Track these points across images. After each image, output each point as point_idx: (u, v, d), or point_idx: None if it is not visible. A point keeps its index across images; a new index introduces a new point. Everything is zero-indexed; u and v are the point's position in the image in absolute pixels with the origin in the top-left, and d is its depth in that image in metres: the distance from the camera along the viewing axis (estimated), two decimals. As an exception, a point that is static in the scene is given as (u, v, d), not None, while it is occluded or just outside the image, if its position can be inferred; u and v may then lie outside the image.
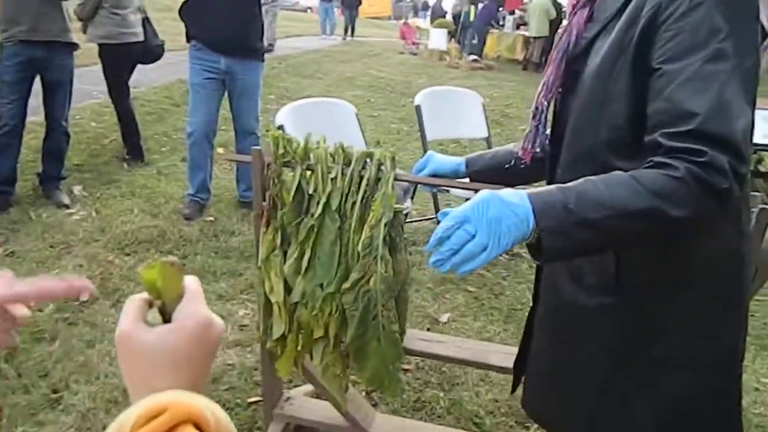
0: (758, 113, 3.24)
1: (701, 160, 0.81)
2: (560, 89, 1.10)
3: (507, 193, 0.87)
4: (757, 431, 2.10)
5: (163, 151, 4.90)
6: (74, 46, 3.62)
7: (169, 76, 7.17)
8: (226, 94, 3.66)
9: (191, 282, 0.57)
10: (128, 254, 3.11)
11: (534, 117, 1.16)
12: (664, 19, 0.89)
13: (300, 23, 18.27)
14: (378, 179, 1.50)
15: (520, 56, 13.33)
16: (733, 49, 0.85)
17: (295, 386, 2.19)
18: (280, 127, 2.62)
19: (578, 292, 1.08)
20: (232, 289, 2.87)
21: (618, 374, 1.07)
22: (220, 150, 4.75)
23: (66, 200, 3.66)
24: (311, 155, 1.58)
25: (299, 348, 1.63)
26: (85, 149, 4.65)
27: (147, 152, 4.73)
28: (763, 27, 0.90)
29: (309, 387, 2.15)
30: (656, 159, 0.86)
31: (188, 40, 3.65)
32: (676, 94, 0.86)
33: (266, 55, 3.73)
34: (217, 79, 3.55)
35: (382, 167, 1.51)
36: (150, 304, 0.56)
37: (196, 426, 0.45)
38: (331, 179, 1.54)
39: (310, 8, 26.96)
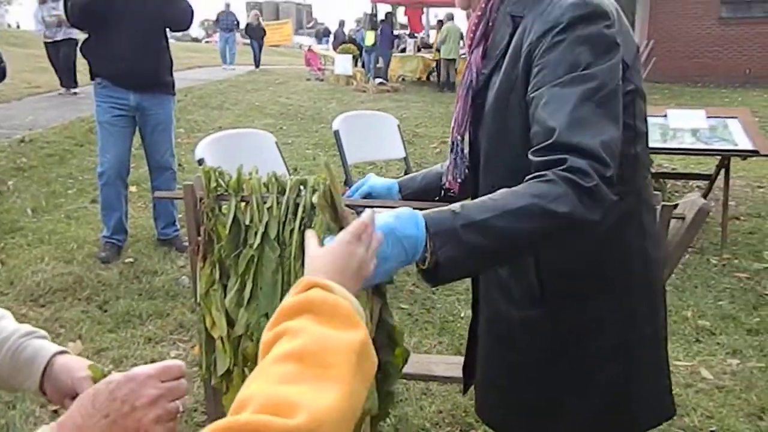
0: (648, 120, 3.51)
1: (563, 166, 0.89)
2: (470, 122, 1.18)
3: (404, 224, 0.87)
4: (676, 410, 2.28)
5: (69, 193, 4.66)
6: None
7: (68, 115, 6.85)
8: (136, 130, 3.56)
9: None
10: (43, 305, 2.93)
11: (452, 150, 1.24)
12: (535, 56, 0.99)
13: (199, 54, 17.96)
14: (314, 205, 1.53)
15: (423, 76, 13.87)
16: (590, 77, 0.94)
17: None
18: (200, 161, 2.59)
19: (509, 305, 1.16)
20: (161, 331, 2.77)
21: (553, 375, 1.16)
22: (132, 188, 4.59)
23: (-35, 254, 3.41)
24: (244, 186, 1.59)
25: (246, 381, 1.61)
26: (-19, 198, 4.34)
27: (52, 196, 4.49)
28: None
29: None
30: (530, 175, 0.93)
31: (92, 77, 3.53)
32: (540, 115, 0.95)
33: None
34: (127, 116, 3.45)
35: (317, 193, 1.55)
36: None
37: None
38: (267, 209, 1.55)
39: (196, 39, 26.47)
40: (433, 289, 3.30)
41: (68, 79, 8.50)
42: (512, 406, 1.26)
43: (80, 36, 8.22)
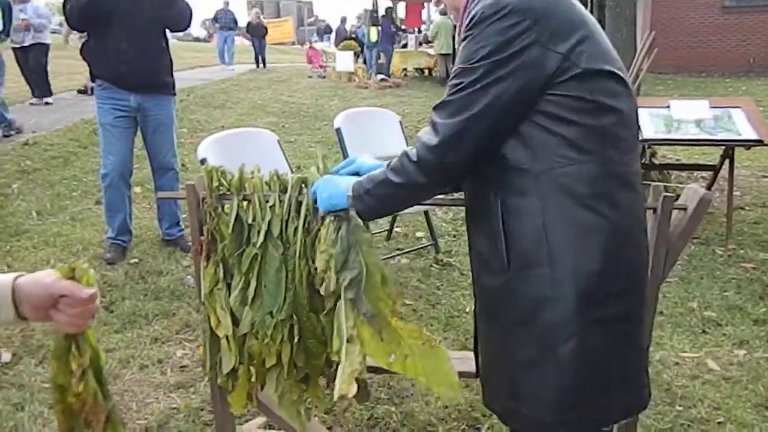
0: (646, 111, 3.56)
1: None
2: None
3: (340, 178, 1.43)
4: (683, 402, 2.27)
5: (74, 195, 4.68)
6: None
7: (71, 117, 6.87)
8: (138, 131, 3.57)
9: None
10: (49, 307, 2.94)
11: None
12: None
13: (200, 53, 17.97)
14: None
15: (433, 67, 13.86)
16: (474, 69, 1.13)
17: (246, 421, 2.16)
18: (203, 161, 2.59)
19: (488, 277, 1.25)
20: (167, 331, 2.79)
21: (514, 350, 1.21)
22: (137, 189, 4.60)
23: (-29, 257, 3.43)
24: (247, 185, 1.60)
25: (252, 379, 1.62)
26: (-14, 201, 4.36)
27: (57, 198, 4.51)
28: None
29: (261, 419, 2.13)
30: None
31: (93, 79, 3.53)
32: None
33: (176, 87, 3.67)
34: (129, 117, 3.45)
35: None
36: None
37: None
38: (270, 207, 1.56)
39: (198, 39, 26.36)
40: (438, 284, 3.30)
41: (41, 88, 8.06)
42: (490, 386, 1.31)
43: (53, 40, 8.17)
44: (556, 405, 1.17)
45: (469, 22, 1.16)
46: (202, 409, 2.23)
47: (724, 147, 3.92)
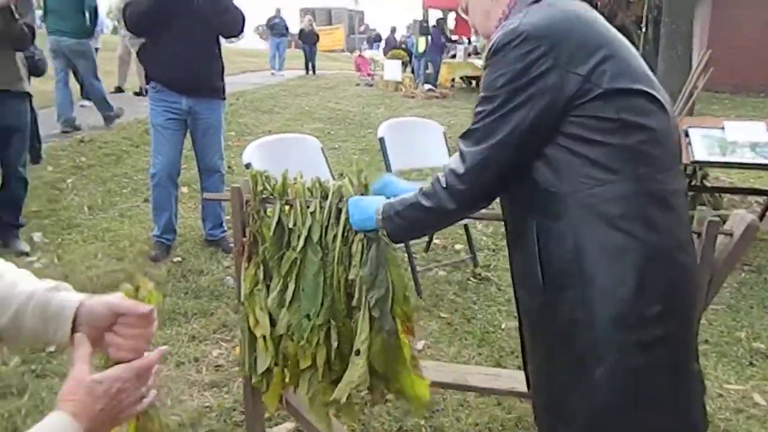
0: (698, 132, 3.44)
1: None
2: None
3: (370, 199, 1.47)
4: (726, 435, 2.19)
5: (124, 192, 4.84)
6: (27, 95, 3.59)
7: (126, 116, 7.11)
8: (188, 133, 3.67)
9: None
10: (95, 299, 3.05)
11: None
12: None
13: (253, 59, 18.35)
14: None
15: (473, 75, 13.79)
16: (494, 97, 1.15)
17: (276, 424, 2.18)
18: (248, 165, 2.64)
19: (526, 296, 1.27)
20: (204, 330, 2.84)
21: (553, 370, 1.21)
22: (184, 189, 4.73)
23: (26, 248, 3.57)
24: (289, 191, 1.62)
25: (286, 380, 1.64)
26: (43, 195, 4.55)
27: (108, 194, 4.67)
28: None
29: (290, 425, 2.15)
30: None
31: (148, 81, 3.66)
32: None
33: (227, 91, 3.76)
34: (179, 119, 3.56)
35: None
36: None
37: None
38: (311, 213, 1.58)
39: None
40: (475, 299, 3.27)
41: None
42: (537, 403, 1.31)
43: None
44: (590, 427, 1.16)
45: (489, 50, 1.19)
46: (234, 410, 2.27)
47: (781, 172, 3.77)
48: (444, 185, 1.23)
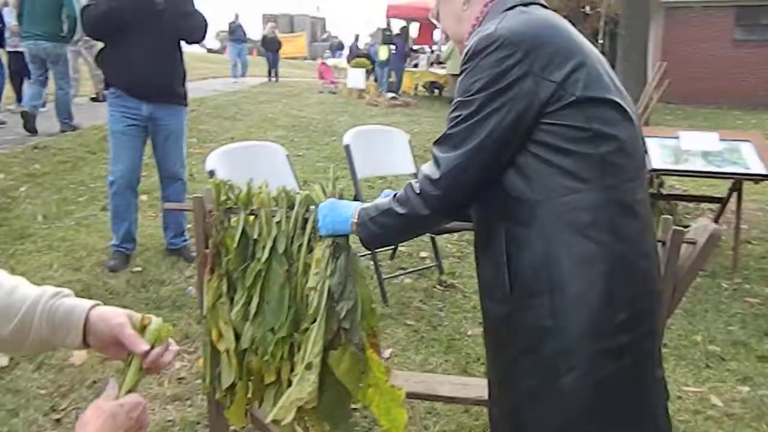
0: (655, 141, 3.55)
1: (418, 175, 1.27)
2: None
3: (345, 203, 1.44)
4: (685, 437, 2.24)
5: (80, 201, 4.69)
6: None
7: (82, 123, 6.91)
8: (148, 140, 3.58)
9: None
10: (50, 312, 2.94)
11: None
12: None
13: (213, 65, 18.12)
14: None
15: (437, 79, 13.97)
16: (470, 102, 1.15)
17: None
18: (211, 173, 2.58)
19: (492, 304, 1.26)
20: (166, 341, 2.77)
21: (517, 379, 1.20)
22: (143, 197, 4.61)
23: (-25, 258, 3.43)
24: (254, 200, 1.60)
25: (250, 395, 1.61)
26: (-7, 203, 4.38)
27: (63, 203, 4.52)
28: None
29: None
30: None
31: (106, 87, 3.56)
32: None
33: (188, 97, 3.69)
34: (140, 126, 3.47)
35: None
36: None
37: None
38: (276, 223, 1.56)
39: (211, 50, 26.60)
40: (441, 306, 3.28)
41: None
42: (496, 415, 1.30)
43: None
44: None
45: (465, 55, 1.19)
46: (198, 423, 2.21)
47: (732, 180, 3.91)
48: (417, 191, 1.23)
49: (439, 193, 1.20)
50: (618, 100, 1.16)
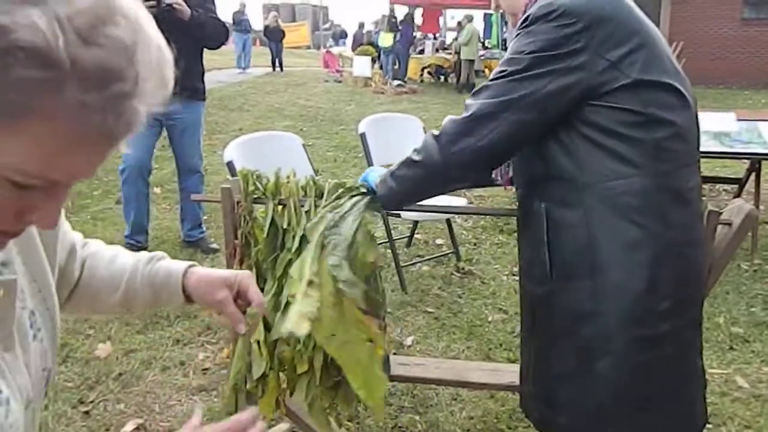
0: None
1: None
2: None
3: (369, 173, 1.46)
4: (713, 420, 2.23)
5: (95, 194, 4.70)
6: None
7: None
8: (164, 133, 3.58)
9: None
10: (71, 306, 2.95)
11: None
12: None
13: (218, 56, 17.99)
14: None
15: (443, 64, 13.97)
16: (519, 60, 1.12)
17: (269, 427, 2.14)
18: (229, 163, 2.58)
19: (531, 284, 1.25)
20: (189, 333, 2.78)
21: (552, 361, 1.20)
22: (156, 190, 4.62)
23: (-6, 254, 3.44)
24: (282, 190, 1.59)
25: (283, 385, 1.61)
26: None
27: (78, 197, 4.53)
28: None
29: (284, 425, 2.11)
30: None
31: None
32: None
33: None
34: (154, 117, 3.45)
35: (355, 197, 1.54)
36: None
37: None
38: (305, 212, 1.55)
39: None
40: (460, 293, 3.27)
41: None
42: (529, 393, 1.29)
43: None
44: (591, 418, 1.16)
45: (524, 21, 1.15)
46: (225, 413, 2.22)
47: (749, 160, 3.87)
48: (436, 133, 1.20)
49: (457, 135, 1.16)
50: (676, 84, 1.13)
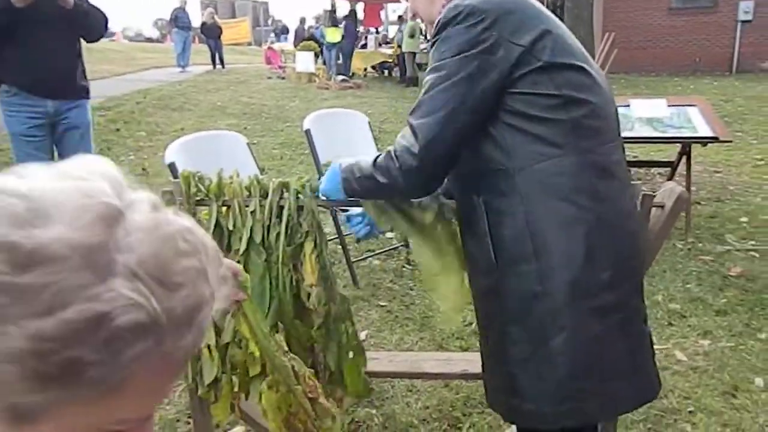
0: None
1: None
2: None
3: (331, 175, 1.46)
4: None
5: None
6: None
7: None
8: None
9: None
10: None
11: None
12: None
13: (154, 54, 17.52)
14: (300, 207, 1.52)
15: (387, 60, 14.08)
16: (440, 67, 1.17)
17: (225, 431, 2.11)
18: (171, 165, 2.52)
19: (478, 277, 1.29)
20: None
21: (507, 346, 1.23)
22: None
23: None
24: (225, 191, 1.56)
25: (235, 389, 1.59)
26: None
27: None
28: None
29: (240, 428, 2.09)
30: None
31: None
32: None
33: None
34: (45, 125, 3.25)
35: (300, 195, 1.53)
36: None
37: None
38: (251, 213, 1.53)
39: (150, 39, 25.70)
40: (411, 285, 3.31)
41: None
42: (491, 387, 1.33)
43: None
44: (553, 397, 1.18)
45: (435, 27, 1.20)
46: (178, 420, 2.17)
47: (681, 144, 4.06)
48: (397, 164, 1.23)
49: (419, 165, 1.20)
50: (585, 66, 1.19)
